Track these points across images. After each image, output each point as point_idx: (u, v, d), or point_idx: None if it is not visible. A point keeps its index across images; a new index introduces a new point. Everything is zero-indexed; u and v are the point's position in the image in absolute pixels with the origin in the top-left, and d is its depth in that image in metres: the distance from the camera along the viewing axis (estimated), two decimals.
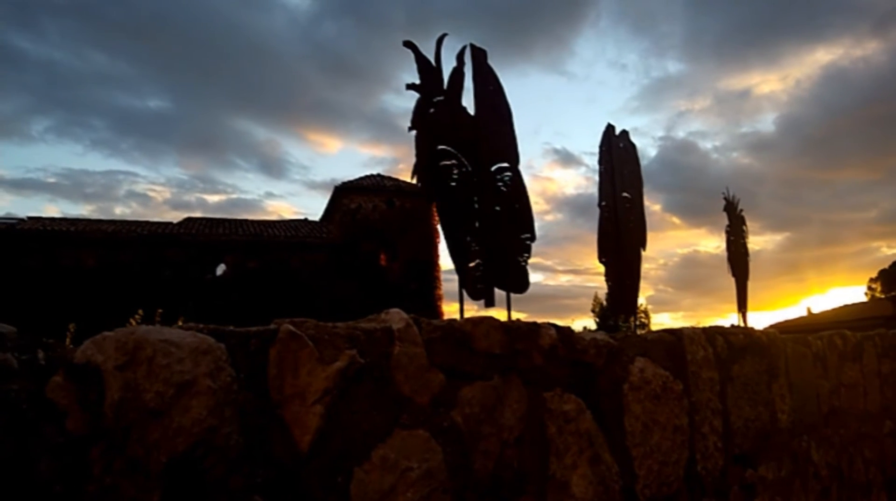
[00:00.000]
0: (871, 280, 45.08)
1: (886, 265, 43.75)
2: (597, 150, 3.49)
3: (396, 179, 24.25)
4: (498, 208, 2.77)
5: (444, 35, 2.75)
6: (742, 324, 4.37)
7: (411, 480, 1.53)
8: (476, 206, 2.70)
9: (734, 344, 3.07)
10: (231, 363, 1.27)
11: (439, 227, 2.59)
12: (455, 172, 2.68)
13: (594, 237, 3.37)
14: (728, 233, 4.51)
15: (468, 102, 2.79)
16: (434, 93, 2.66)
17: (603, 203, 3.43)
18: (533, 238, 2.87)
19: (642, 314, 24.40)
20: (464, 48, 2.81)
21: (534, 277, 2.77)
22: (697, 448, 2.65)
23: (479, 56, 2.88)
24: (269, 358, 1.35)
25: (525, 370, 1.98)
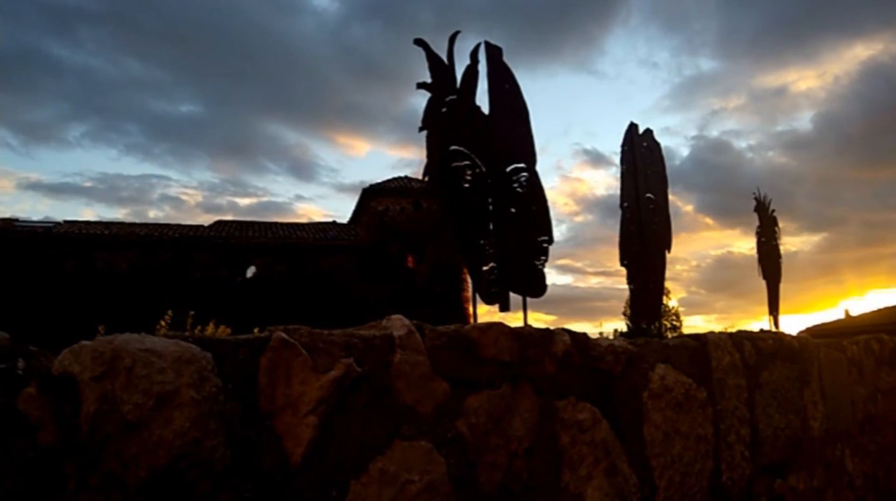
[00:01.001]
0: None
1: None
2: None
3: (424, 181, 24.12)
4: (513, 210, 2.69)
5: (457, 32, 2.67)
6: (773, 328, 4.22)
7: (412, 493, 1.46)
8: (490, 207, 2.63)
9: (763, 350, 2.95)
10: (218, 372, 1.22)
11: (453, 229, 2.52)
12: (468, 173, 2.61)
13: None
14: (759, 234, 4.37)
15: (483, 101, 2.71)
16: (447, 92, 2.60)
17: (625, 204, 3.33)
18: (550, 241, 2.77)
19: (674, 317, 23.94)
20: (478, 45, 2.74)
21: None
22: (723, 457, 2.54)
23: (495, 53, 2.80)
24: (259, 367, 1.30)
25: (536, 377, 1.90)
